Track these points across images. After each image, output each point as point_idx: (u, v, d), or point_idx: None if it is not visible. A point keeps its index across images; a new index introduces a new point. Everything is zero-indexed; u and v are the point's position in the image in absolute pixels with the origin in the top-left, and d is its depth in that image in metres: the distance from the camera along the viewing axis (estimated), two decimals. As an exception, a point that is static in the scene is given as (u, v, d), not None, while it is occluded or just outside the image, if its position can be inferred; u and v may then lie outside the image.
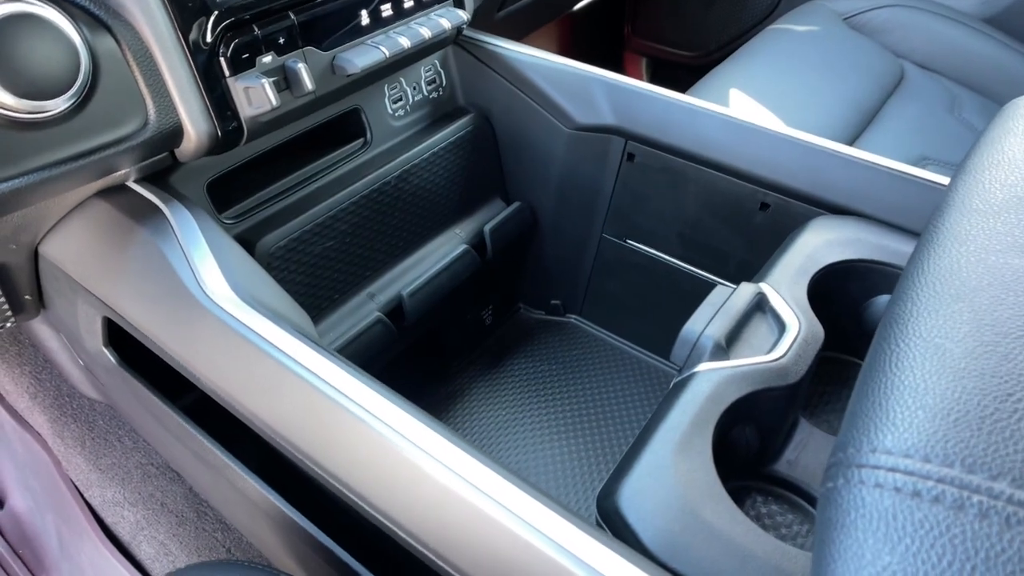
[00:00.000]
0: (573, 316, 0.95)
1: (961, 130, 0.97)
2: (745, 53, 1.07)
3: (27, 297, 0.69)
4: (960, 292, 0.31)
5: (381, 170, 0.72)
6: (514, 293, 0.97)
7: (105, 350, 0.64)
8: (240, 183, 0.66)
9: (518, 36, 1.35)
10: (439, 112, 0.81)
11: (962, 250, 0.33)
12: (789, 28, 1.11)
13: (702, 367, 0.48)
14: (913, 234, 0.61)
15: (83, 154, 0.49)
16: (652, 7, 1.57)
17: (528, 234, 0.88)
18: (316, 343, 0.47)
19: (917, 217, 0.61)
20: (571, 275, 0.91)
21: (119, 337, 0.62)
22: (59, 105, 0.45)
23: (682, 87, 1.72)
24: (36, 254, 0.64)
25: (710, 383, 0.47)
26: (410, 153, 0.74)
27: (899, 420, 0.27)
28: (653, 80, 1.69)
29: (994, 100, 1.06)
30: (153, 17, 0.49)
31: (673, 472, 0.42)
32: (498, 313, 0.94)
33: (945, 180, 0.60)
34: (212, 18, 0.52)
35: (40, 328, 0.81)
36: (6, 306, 0.67)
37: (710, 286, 0.78)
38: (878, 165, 0.63)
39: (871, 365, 0.31)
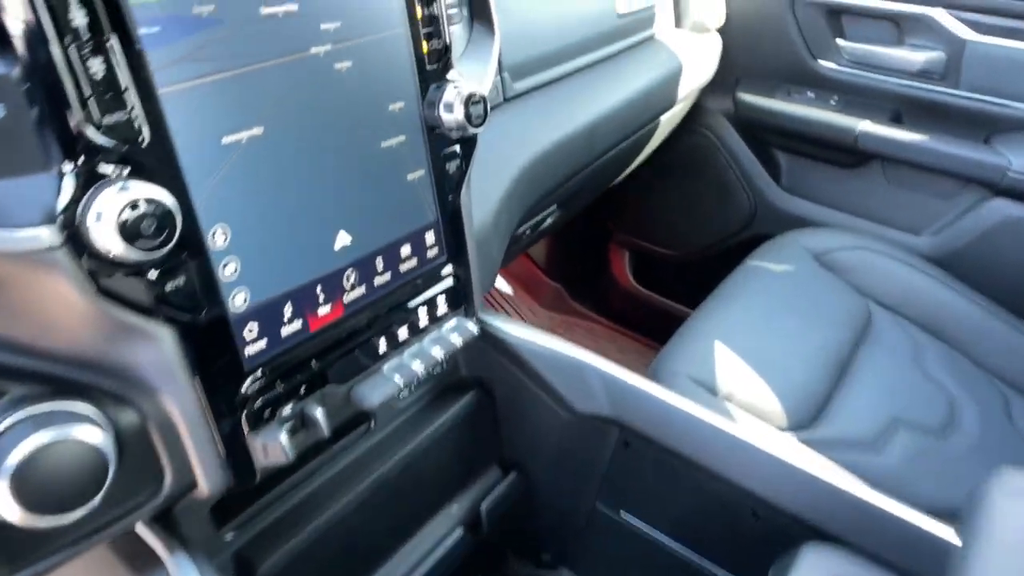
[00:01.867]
0: (564, 569, 0.95)
1: (927, 386, 1.03)
2: (724, 294, 1.14)
3: None
4: None
5: (386, 466, 0.73)
6: (504, 547, 0.96)
7: None
8: (241, 494, 0.66)
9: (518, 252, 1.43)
10: (441, 384, 0.83)
11: None
12: (765, 266, 1.19)
13: None
14: (895, 568, 0.63)
15: (95, 531, 0.49)
16: (634, 208, 1.67)
17: (521, 500, 0.89)
18: None
19: (896, 551, 0.64)
20: (562, 533, 0.91)
21: None
22: (79, 514, 0.46)
23: (663, 280, 1.80)
24: None
25: None
26: (415, 443, 0.76)
27: None
28: (635, 272, 1.78)
29: (952, 345, 1.13)
30: (184, 398, 0.51)
31: None
32: (488, 570, 0.94)
33: (928, 523, 0.63)
34: (242, 389, 0.54)
35: None
36: None
37: (705, 571, 0.80)
38: (862, 499, 0.66)
39: None
